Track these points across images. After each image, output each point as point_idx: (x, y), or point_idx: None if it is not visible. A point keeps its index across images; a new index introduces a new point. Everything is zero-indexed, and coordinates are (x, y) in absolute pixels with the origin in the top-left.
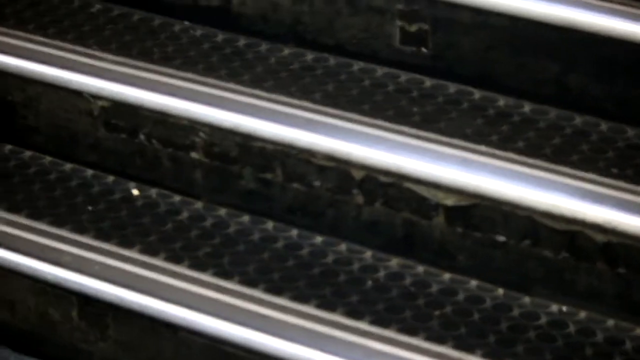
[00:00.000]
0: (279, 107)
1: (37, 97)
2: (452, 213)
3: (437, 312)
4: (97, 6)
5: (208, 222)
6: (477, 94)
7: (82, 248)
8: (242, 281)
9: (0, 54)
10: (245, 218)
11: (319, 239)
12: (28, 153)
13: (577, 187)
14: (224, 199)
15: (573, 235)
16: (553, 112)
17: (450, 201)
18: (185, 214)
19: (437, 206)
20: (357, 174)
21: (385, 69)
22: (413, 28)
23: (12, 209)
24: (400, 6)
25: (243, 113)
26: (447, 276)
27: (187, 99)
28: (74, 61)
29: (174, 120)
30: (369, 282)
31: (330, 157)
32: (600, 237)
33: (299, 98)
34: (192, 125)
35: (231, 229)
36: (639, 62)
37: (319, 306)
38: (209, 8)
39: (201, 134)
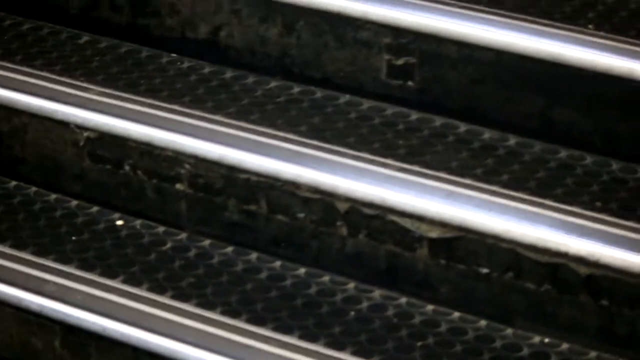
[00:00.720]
0: (265, 139)
1: (23, 127)
2: (436, 245)
3: (419, 344)
4: (85, 38)
5: (192, 253)
6: (463, 127)
7: (65, 278)
8: (225, 311)
9: None
10: (229, 249)
11: (302, 270)
12: (13, 183)
13: (561, 220)
14: (208, 230)
15: (556, 267)
16: (538, 146)
17: (434, 233)
18: (169, 245)
19: (421, 238)
20: (342, 206)
21: (372, 102)
22: (400, 61)
23: None
24: (387, 40)
25: (228, 145)
26: (429, 308)
27: (173, 130)
28: (61, 92)
29: (160, 152)
30: (352, 313)
31: (315, 190)
32: (583, 270)
33: (285, 130)
34: (178, 157)
35: (215, 260)
36: (623, 96)
37: (302, 337)
38: (196, 41)
39: (186, 165)
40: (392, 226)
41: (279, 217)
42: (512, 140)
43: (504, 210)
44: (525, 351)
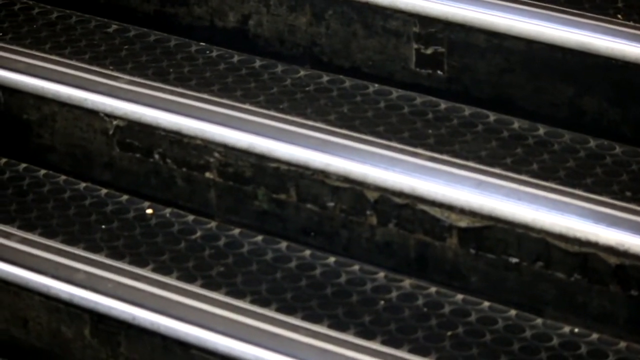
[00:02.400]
0: (294, 127)
1: (52, 115)
2: (466, 235)
3: (449, 333)
4: (114, 26)
5: (221, 242)
6: (492, 116)
7: (95, 266)
8: (254, 300)
9: (16, 73)
10: (259, 238)
11: (332, 259)
12: (43, 171)
13: (590, 209)
14: (238, 219)
15: (586, 257)
16: (567, 135)
17: (463, 223)
18: (198, 234)
19: (451, 228)
20: (371, 195)
21: (401, 91)
22: (429, 51)
23: (26, 227)
24: (416, 29)
25: (258, 134)
26: (459, 297)
27: (202, 119)
28: (90, 80)
29: (189, 140)
30: (382, 303)
31: (345, 178)
32: (613, 260)
33: (314, 119)
34: (207, 145)
35: (244, 249)
36: None
37: (331, 326)
38: (225, 29)
39: (216, 154)
40: (422, 215)
41: (309, 206)
42: (542, 130)
43: (534, 199)
44: (555, 341)
